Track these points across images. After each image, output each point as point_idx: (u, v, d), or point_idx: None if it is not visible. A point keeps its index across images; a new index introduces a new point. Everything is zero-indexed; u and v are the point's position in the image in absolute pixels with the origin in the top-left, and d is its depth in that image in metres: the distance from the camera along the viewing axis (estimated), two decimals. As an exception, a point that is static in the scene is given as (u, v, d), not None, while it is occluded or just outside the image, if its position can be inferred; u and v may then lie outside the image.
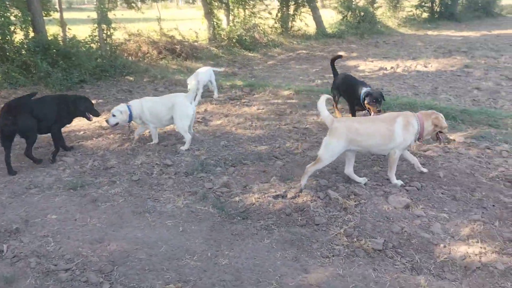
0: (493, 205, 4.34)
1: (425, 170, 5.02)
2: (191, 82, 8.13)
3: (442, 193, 4.58)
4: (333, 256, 3.62)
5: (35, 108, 5.51)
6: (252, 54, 14.38)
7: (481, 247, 3.66)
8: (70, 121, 6.13)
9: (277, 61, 13.66)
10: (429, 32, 19.88)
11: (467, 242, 3.76)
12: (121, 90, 9.81)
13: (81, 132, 6.89)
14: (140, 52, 12.69)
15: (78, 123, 7.13)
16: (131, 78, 10.93)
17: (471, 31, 19.75)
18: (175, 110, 6.01)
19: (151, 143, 6.26)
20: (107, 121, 6.18)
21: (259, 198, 4.56)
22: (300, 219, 4.14)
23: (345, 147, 4.64)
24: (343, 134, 4.59)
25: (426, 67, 11.76)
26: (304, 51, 15.09)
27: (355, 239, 3.81)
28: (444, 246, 3.68)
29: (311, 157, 5.64)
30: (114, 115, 6.08)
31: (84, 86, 10.03)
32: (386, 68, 11.84)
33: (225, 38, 14.65)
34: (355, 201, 4.33)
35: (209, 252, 3.74)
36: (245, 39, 14.87)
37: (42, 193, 4.87)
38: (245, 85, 9.69)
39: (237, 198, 4.60)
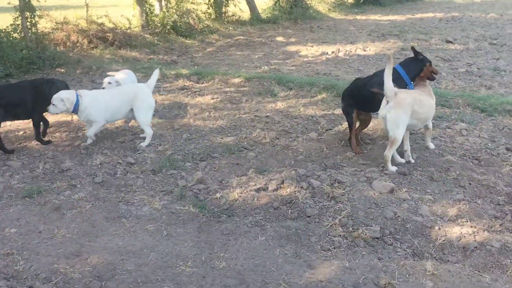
0: (470, 183, 4.49)
1: (412, 160, 5.01)
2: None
3: (420, 175, 4.66)
4: (334, 248, 3.52)
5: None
6: (189, 41, 13.90)
7: (471, 226, 3.75)
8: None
9: (216, 48, 13.32)
10: (358, 17, 20.44)
11: (457, 222, 3.83)
12: (54, 84, 9.00)
13: (21, 132, 6.21)
14: (69, 42, 11.75)
15: (16, 122, 6.39)
16: (62, 70, 10.07)
17: (396, 15, 20.58)
18: (138, 101, 5.54)
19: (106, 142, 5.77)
20: (47, 110, 5.55)
21: (241, 193, 4.35)
22: (291, 212, 4.00)
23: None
24: (409, 105, 4.55)
25: (365, 50, 12.06)
26: (242, 37, 14.86)
27: (350, 229, 3.74)
28: (439, 229, 3.73)
29: (281, 146, 5.52)
30: (53, 104, 5.33)
31: (11, 80, 9.08)
32: (327, 52, 11.99)
33: (159, 25, 14.00)
34: (341, 189, 4.25)
35: (202, 256, 3.48)
36: (180, 25, 14.33)
37: (-8, 204, 4.29)
38: (191, 73, 9.30)
39: (217, 195, 4.35)
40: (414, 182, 4.51)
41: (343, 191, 4.22)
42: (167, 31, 13.98)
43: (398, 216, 3.84)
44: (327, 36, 14.72)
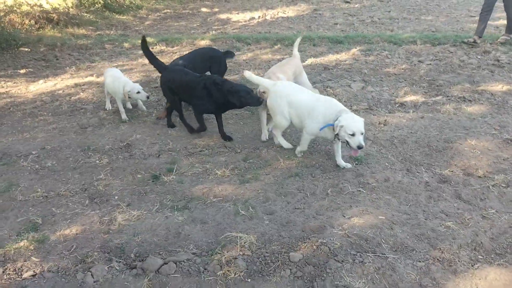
0: (405, 80, 7.60)
1: None
2: None
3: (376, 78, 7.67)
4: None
5: None
6: (124, 17, 15.60)
7: (414, 96, 6.82)
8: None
9: (153, 21, 15.25)
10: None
11: (407, 96, 6.89)
12: (34, 60, 10.45)
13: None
14: (17, 24, 12.88)
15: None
16: (26, 49, 11.41)
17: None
18: None
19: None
20: None
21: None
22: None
23: None
24: None
25: (285, 13, 14.99)
26: (169, 11, 16.89)
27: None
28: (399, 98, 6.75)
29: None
30: None
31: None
32: (254, 17, 14.67)
33: (92, 2, 15.49)
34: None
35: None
36: (110, 3, 15.95)
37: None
38: (158, 40, 11.33)
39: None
40: (374, 82, 7.48)
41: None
42: (99, 9, 15.54)
43: (374, 96, 6.78)
44: (245, 5, 17.40)
